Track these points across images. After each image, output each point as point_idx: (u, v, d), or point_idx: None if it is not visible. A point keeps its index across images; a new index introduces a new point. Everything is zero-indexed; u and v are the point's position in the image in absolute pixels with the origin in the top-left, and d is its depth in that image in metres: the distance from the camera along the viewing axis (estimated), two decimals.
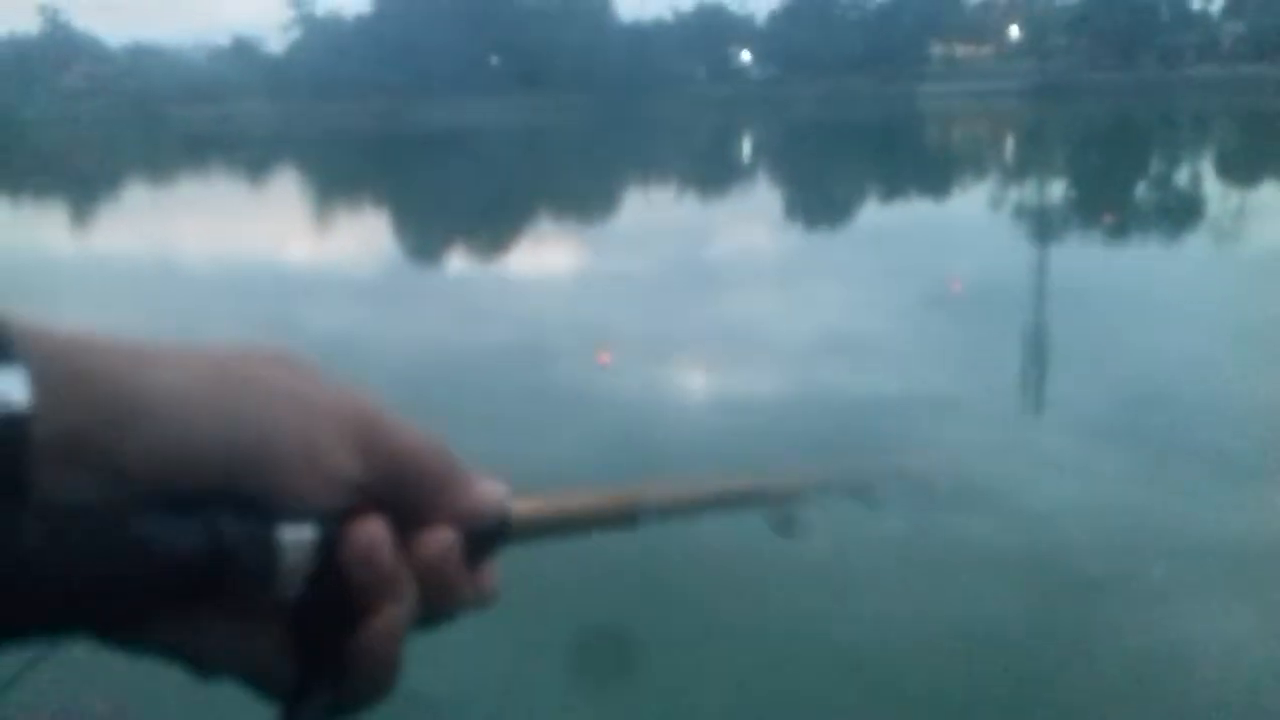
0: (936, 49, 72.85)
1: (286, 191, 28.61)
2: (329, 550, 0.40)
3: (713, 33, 72.37)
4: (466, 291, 12.90)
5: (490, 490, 0.46)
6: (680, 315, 10.71)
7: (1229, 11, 67.17)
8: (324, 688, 0.42)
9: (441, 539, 0.43)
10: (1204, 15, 69.17)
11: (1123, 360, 8.29)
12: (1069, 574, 4.65)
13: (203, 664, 0.39)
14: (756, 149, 39.52)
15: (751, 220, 18.40)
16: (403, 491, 0.42)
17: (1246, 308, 9.86)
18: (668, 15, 74.44)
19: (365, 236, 18.25)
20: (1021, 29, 70.16)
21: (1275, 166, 25.61)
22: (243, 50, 76.05)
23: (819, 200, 22.03)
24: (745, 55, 74.55)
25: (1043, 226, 16.99)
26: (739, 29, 74.03)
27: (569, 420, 7.11)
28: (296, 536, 0.39)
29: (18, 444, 0.31)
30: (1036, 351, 8.75)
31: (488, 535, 0.45)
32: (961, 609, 4.36)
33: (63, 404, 0.33)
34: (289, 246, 17.04)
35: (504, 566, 0.48)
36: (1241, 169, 25.73)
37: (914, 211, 20.02)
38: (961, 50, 73.60)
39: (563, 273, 13.82)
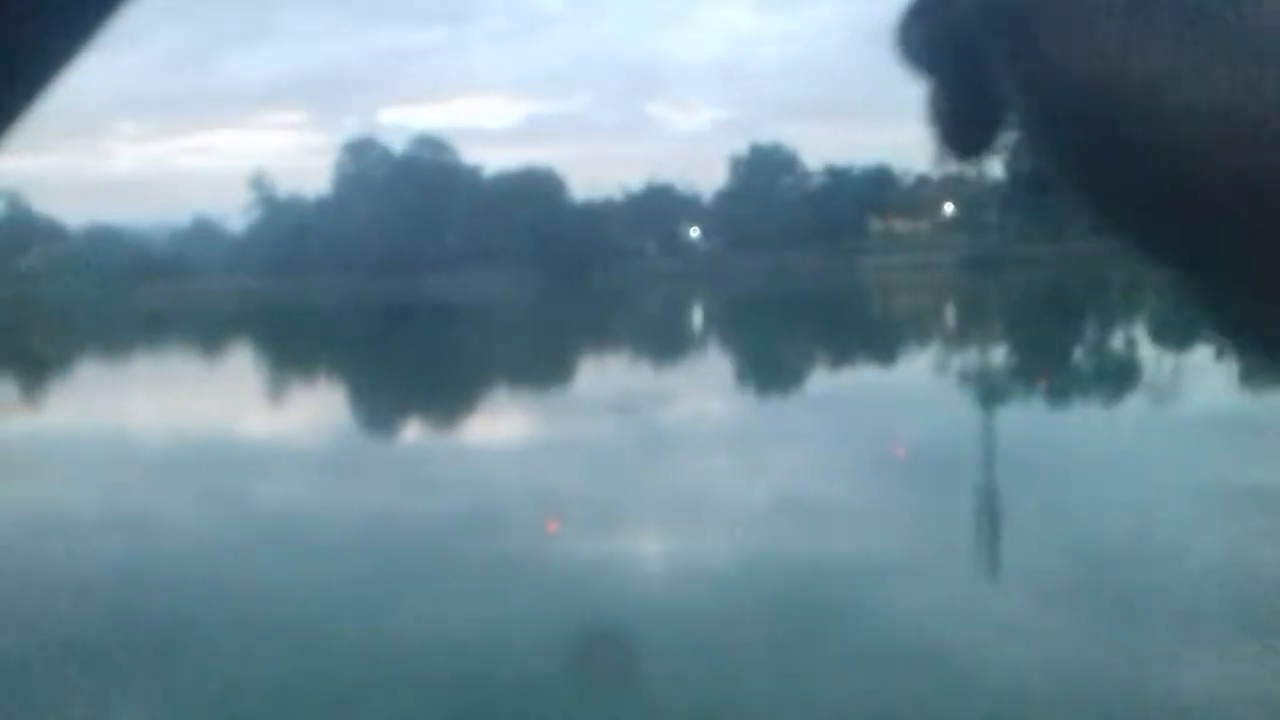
0: (875, 224, 76.17)
1: (243, 368, 28.60)
2: None
3: (662, 210, 75.23)
4: (421, 463, 12.83)
5: None
6: (634, 482, 10.73)
7: None
8: None
9: None
10: None
11: (1070, 521, 8.41)
12: None
13: None
14: (707, 320, 40.42)
15: (704, 388, 18.66)
16: None
17: (1180, 466, 10.12)
18: (618, 195, 77.41)
19: (322, 411, 18.21)
20: (955, 205, 73.79)
21: (1199, 332, 26.62)
22: (203, 229, 77.42)
23: (769, 368, 22.46)
24: (694, 231, 77.40)
25: (986, 390, 17.42)
26: (687, 207, 77.03)
27: (517, 589, 7.01)
28: None
29: None
30: (988, 513, 8.82)
31: None
32: None
33: None
34: (244, 422, 16.93)
35: None
36: (1170, 334, 26.76)
37: (861, 378, 20.46)
38: (899, 225, 77.03)
39: (517, 442, 13.84)
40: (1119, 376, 18.70)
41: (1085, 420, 14.19)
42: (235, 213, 75.86)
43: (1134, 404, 15.58)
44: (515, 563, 7.70)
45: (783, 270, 64.65)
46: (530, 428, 15.13)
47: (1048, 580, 6.84)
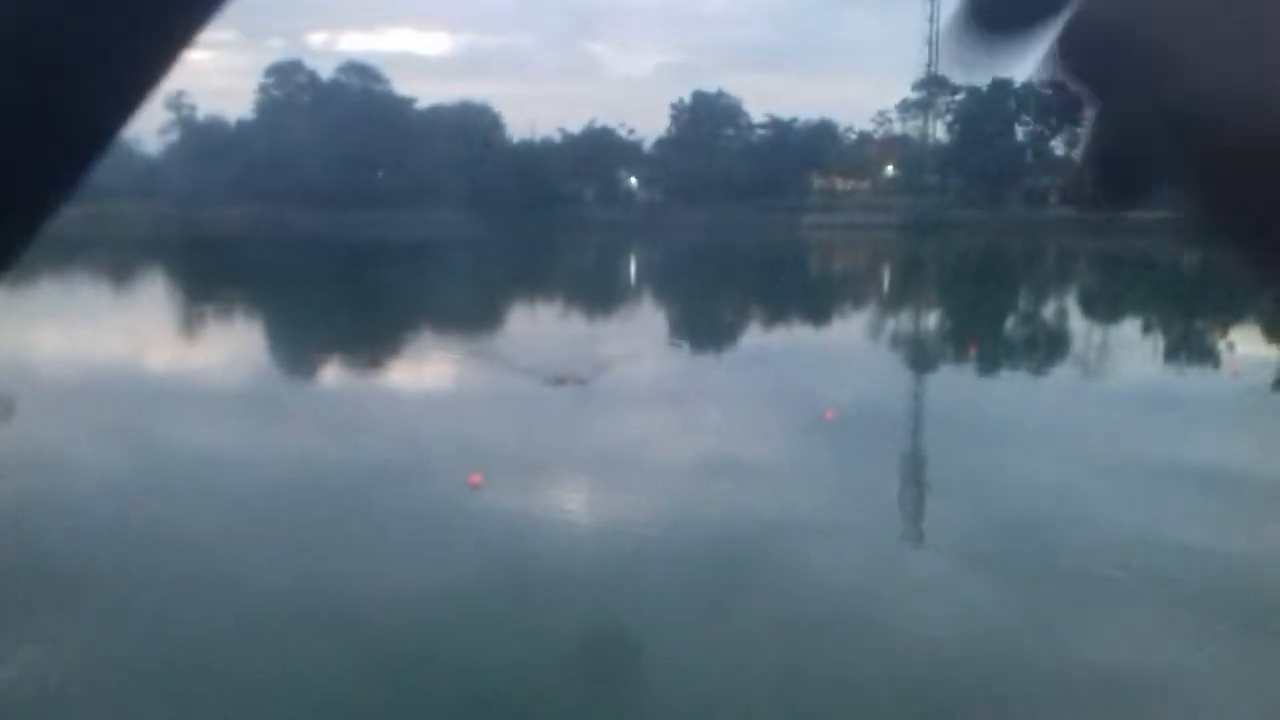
0: (817, 181, 76.03)
1: (156, 299, 27.51)
2: None
3: (601, 156, 73.88)
4: (338, 407, 12.31)
5: None
6: (561, 434, 10.30)
7: None
8: None
9: None
10: (1067, 160, 74.33)
11: (991, 489, 8.28)
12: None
13: None
14: (642, 273, 39.98)
15: (636, 345, 18.11)
16: None
17: (1101, 439, 9.99)
18: (556, 137, 75.74)
19: (238, 348, 17.46)
20: (897, 167, 73.95)
21: (1126, 303, 26.92)
22: (115, 150, 73.98)
23: (704, 327, 22.10)
24: (632, 180, 76.36)
25: (918, 356, 17.28)
26: (626, 154, 75.81)
27: (437, 542, 6.76)
28: None
29: None
30: (913, 480, 8.71)
31: None
32: None
33: None
34: (152, 355, 16.13)
35: None
36: (1098, 305, 27.04)
37: (795, 339, 20.22)
38: (841, 184, 77.01)
39: (441, 391, 13.38)
40: (1048, 347, 18.69)
41: (1013, 389, 14.10)
42: (150, 134, 72.45)
43: (1061, 375, 15.50)
44: (441, 513, 7.40)
45: (721, 224, 64.30)
46: (456, 378, 14.64)
47: (966, 546, 6.81)
